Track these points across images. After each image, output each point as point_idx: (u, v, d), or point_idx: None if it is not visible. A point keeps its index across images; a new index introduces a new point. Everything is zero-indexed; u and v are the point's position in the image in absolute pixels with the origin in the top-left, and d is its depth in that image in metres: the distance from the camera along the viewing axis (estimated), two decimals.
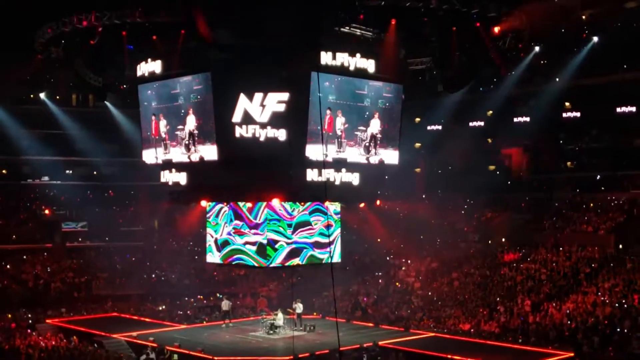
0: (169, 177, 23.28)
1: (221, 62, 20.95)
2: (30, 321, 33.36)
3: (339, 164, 22.34)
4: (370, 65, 22.02)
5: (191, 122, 21.84)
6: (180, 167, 22.73)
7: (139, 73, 22.99)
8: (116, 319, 35.16)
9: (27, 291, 38.20)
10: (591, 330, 27.37)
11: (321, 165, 21.31)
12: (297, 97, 20.42)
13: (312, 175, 21.94)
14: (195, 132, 21.72)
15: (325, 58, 20.69)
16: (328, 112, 20.57)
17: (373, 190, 24.99)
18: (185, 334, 30.68)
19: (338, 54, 21.00)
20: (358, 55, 21.61)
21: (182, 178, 22.80)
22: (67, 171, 47.45)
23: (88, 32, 24.15)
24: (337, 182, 22.75)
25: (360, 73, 21.99)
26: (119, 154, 46.29)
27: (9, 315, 33.77)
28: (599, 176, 41.91)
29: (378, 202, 26.26)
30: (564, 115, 42.95)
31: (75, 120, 45.92)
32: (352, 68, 21.51)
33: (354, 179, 23.17)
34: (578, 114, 42.26)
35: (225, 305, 32.83)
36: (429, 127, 47.18)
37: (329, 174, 22.37)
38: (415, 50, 25.19)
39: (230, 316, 32.80)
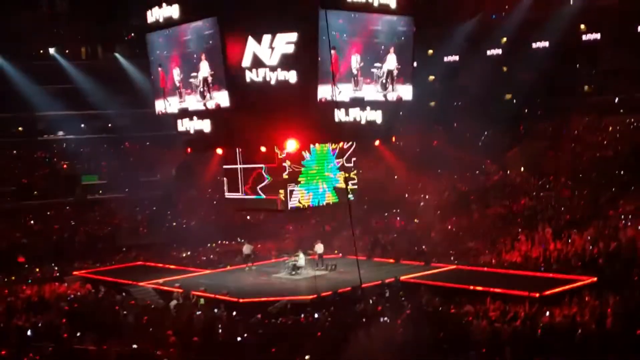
0: (189, 124, 22.88)
1: (228, 4, 20.58)
2: (57, 274, 34.00)
3: (360, 103, 22.14)
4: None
5: (204, 68, 21.55)
6: (201, 114, 22.36)
7: (150, 19, 22.32)
8: (141, 267, 35.73)
9: (52, 245, 38.80)
10: (613, 255, 27.39)
11: (346, 104, 21.36)
12: (306, 36, 20.08)
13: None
14: (210, 78, 21.46)
15: None
16: (333, 52, 20.12)
17: (389, 127, 24.76)
18: (210, 278, 31.16)
19: None
20: None
21: (205, 125, 22.43)
22: (82, 125, 47.46)
23: None
24: (363, 122, 22.72)
25: (371, 8, 21.53)
26: (132, 104, 46.20)
27: (37, 269, 34.43)
28: (617, 98, 41.25)
29: (393, 139, 26.03)
30: (580, 38, 42.05)
31: (86, 74, 45.74)
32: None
33: (377, 117, 23.11)
34: (593, 36, 41.35)
35: (247, 249, 33.15)
36: (442, 59, 46.45)
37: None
38: None
39: (252, 259, 33.15)
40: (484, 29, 41.72)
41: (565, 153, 39.64)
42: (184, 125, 22.93)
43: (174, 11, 21.68)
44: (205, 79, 21.61)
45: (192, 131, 22.65)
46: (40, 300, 26.55)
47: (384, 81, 22.53)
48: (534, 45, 43.38)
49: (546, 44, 42.55)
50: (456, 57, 45.90)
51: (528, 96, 45.88)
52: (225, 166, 26.18)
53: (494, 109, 44.18)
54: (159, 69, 23.50)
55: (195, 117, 22.40)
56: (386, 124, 23.88)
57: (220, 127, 22.19)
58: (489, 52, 44.56)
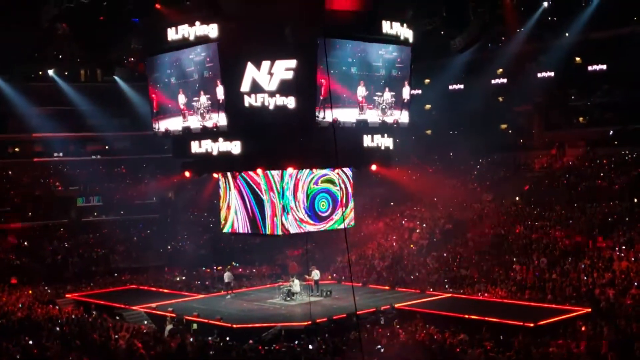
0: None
1: (227, 31, 20.76)
2: (50, 296, 33.78)
3: (364, 124, 22.48)
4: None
5: (204, 91, 21.70)
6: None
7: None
8: (135, 291, 35.54)
9: (45, 267, 38.63)
10: (608, 285, 27.41)
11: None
12: (305, 63, 20.27)
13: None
14: (207, 102, 21.59)
15: None
16: (324, 80, 20.38)
17: (387, 153, 24.90)
18: (204, 303, 31.01)
19: None
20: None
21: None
22: (79, 147, 47.48)
23: (93, 6, 23.95)
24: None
25: (370, 37, 21.81)
26: (130, 127, 46.31)
27: (30, 292, 34.22)
28: (611, 131, 41.58)
29: (374, 167, 26.30)
30: (575, 70, 42.48)
31: (85, 96, 45.86)
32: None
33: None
34: (588, 69, 41.73)
35: (227, 277, 33.10)
36: (438, 88, 46.80)
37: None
38: (422, 10, 24.88)
39: (232, 287, 33.05)
40: (481, 60, 42.10)
41: (560, 183, 39.82)
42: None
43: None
44: (205, 101, 21.69)
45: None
46: (31, 322, 26.31)
47: (383, 107, 22.83)
48: (530, 76, 43.73)
49: (542, 75, 42.88)
50: (453, 87, 46.23)
51: (523, 126, 46.23)
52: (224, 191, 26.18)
53: (490, 138, 44.43)
54: (159, 90, 23.59)
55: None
56: (384, 150, 24.03)
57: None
58: (484, 82, 44.82)
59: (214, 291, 34.40)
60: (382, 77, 22.75)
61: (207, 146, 22.11)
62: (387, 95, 22.78)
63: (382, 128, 23.28)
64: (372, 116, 22.88)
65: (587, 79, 42.02)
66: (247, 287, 35.24)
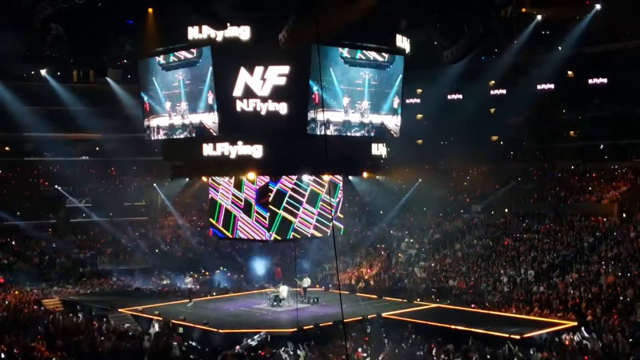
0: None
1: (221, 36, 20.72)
2: (36, 296, 33.56)
3: (348, 124, 22.43)
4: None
5: (195, 94, 21.71)
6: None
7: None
8: (121, 293, 35.40)
9: (32, 267, 38.41)
10: (595, 299, 27.50)
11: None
12: (298, 70, 20.28)
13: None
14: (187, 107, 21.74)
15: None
16: (315, 90, 20.39)
17: (377, 161, 24.93)
18: (190, 307, 30.90)
19: None
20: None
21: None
22: (69, 147, 47.25)
23: (87, 7, 23.83)
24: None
25: (363, 45, 21.83)
26: (120, 129, 46.13)
27: (16, 291, 34.00)
28: (602, 145, 41.82)
29: (365, 175, 26.28)
30: (566, 84, 42.73)
31: (76, 97, 45.68)
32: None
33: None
34: (580, 83, 42.00)
35: (189, 283, 33.02)
36: (431, 98, 46.90)
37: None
38: (415, 21, 24.92)
39: (194, 293, 33.00)
40: (473, 71, 42.23)
41: (549, 196, 39.99)
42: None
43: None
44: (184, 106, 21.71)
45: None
46: (17, 321, 26.14)
47: (362, 112, 22.84)
48: (521, 88, 43.95)
49: (534, 88, 43.10)
50: (452, 97, 46.29)
51: (514, 139, 46.41)
52: (211, 196, 26.05)
53: (480, 150, 44.59)
54: (150, 93, 23.52)
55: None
56: (376, 158, 24.06)
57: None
58: (481, 93, 44.91)
59: (201, 295, 34.30)
60: (361, 91, 22.82)
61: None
62: (365, 104, 22.80)
63: (376, 136, 23.24)
64: (355, 117, 22.82)
65: (586, 92, 42.25)
66: (234, 292, 35.16)
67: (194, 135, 22.11)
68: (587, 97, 42.68)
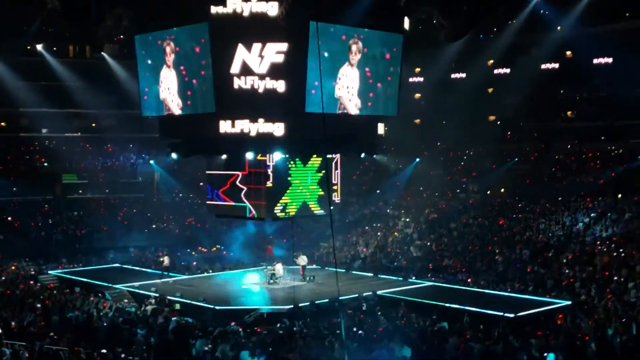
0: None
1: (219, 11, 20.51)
2: (32, 272, 33.66)
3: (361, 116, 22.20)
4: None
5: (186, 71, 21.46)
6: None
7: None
8: (118, 269, 35.50)
9: (28, 243, 38.43)
10: (589, 279, 27.68)
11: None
12: (296, 47, 20.12)
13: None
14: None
15: None
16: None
17: (372, 140, 24.84)
18: (188, 284, 31.03)
19: None
20: None
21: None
22: (65, 123, 47.03)
23: None
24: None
25: (362, 23, 21.59)
26: (117, 105, 45.96)
27: (13, 267, 34.06)
28: (598, 126, 41.81)
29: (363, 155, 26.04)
30: (564, 64, 42.60)
31: (73, 72, 45.44)
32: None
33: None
34: (579, 63, 41.86)
35: (166, 260, 33.02)
36: (429, 78, 46.78)
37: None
38: None
39: (169, 271, 32.96)
40: (471, 50, 42.06)
41: (545, 177, 40.08)
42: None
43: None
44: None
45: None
46: (13, 298, 26.23)
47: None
48: (524, 68, 43.83)
49: (537, 67, 42.95)
50: (443, 77, 46.10)
51: (511, 119, 46.36)
52: (208, 172, 25.94)
53: (478, 130, 44.56)
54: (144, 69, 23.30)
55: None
56: (367, 137, 23.93)
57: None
58: (478, 73, 44.75)
59: (198, 272, 34.47)
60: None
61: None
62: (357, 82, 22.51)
63: (373, 116, 23.07)
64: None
65: (576, 73, 42.15)
66: (231, 269, 35.31)
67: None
68: (592, 77, 42.46)
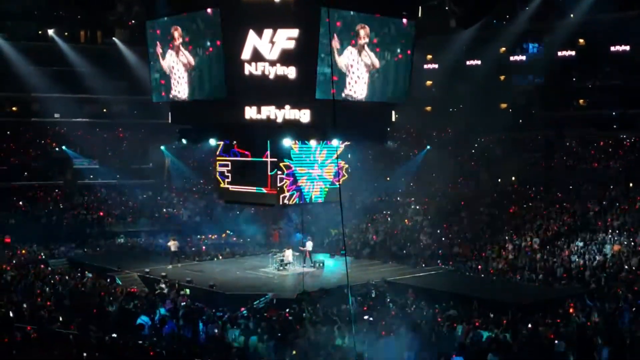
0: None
1: None
2: (43, 256, 33.90)
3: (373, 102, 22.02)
4: None
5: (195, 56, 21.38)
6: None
7: None
8: (128, 254, 35.67)
9: (40, 227, 38.67)
10: (599, 268, 27.59)
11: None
12: (307, 33, 20.04)
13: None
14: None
15: None
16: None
17: (383, 128, 24.75)
18: (197, 269, 31.16)
19: None
20: None
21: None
22: (77, 109, 47.16)
23: None
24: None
25: (373, 9, 21.44)
26: (128, 91, 46.01)
27: (24, 251, 34.32)
28: (611, 114, 41.46)
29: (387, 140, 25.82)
30: (579, 52, 42.21)
31: (84, 57, 45.48)
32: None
33: (392, 116, 23.26)
34: (594, 51, 41.43)
35: (173, 246, 33.04)
36: (440, 65, 46.51)
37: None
38: None
39: (179, 257, 32.99)
40: (484, 36, 41.75)
41: (557, 165, 39.88)
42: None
43: None
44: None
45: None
46: (24, 281, 26.42)
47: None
48: (532, 56, 43.48)
49: (553, 55, 42.55)
50: (455, 64, 45.76)
51: (524, 107, 46.04)
52: (219, 158, 25.92)
53: (489, 117, 44.31)
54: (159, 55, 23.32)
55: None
56: (377, 124, 23.84)
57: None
58: (492, 60, 44.41)
59: (208, 258, 34.61)
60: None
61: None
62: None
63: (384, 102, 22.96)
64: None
65: (588, 61, 41.78)
66: (240, 255, 35.43)
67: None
68: (597, 65, 42.13)
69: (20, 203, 41.26)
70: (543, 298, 24.75)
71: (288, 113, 20.87)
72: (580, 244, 30.44)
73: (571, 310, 22.20)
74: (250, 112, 20.95)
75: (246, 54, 20.40)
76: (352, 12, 20.56)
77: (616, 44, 39.94)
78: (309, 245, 31.65)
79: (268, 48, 20.27)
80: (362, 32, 21.06)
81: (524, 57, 43.94)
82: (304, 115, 20.86)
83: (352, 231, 37.98)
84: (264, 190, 23.66)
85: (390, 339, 17.23)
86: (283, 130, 21.85)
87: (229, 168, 24.70)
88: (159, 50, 22.70)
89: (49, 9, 42.29)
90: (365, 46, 21.42)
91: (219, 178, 24.87)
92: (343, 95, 21.11)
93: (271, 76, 20.32)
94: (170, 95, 22.67)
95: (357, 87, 21.49)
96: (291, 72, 20.30)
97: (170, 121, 24.33)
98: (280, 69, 20.32)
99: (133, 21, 41.50)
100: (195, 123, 23.46)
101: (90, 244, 37.81)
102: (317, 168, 24.82)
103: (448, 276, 29.72)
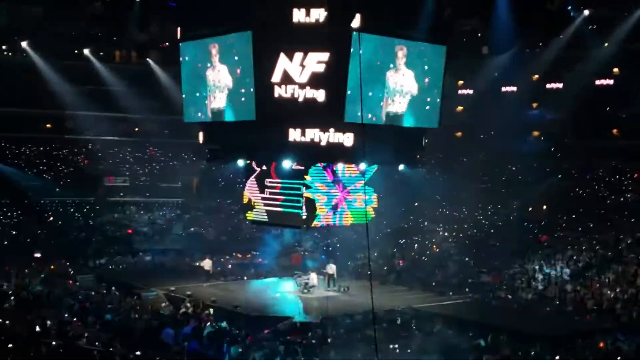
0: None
1: (262, 20, 20.63)
2: (71, 272, 34.19)
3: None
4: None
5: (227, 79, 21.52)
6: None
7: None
8: (154, 272, 35.82)
9: (68, 242, 39.08)
10: (631, 301, 27.00)
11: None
12: (337, 57, 20.08)
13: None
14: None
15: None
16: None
17: (411, 152, 24.62)
18: (222, 289, 31.14)
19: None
20: None
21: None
22: (109, 127, 47.82)
23: None
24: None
25: (405, 34, 21.44)
26: (160, 111, 46.52)
27: (52, 267, 34.64)
28: None
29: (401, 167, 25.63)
30: (611, 81, 41.71)
31: (118, 77, 46.17)
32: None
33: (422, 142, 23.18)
34: (625, 80, 40.92)
35: (207, 264, 33.10)
36: (471, 90, 46.29)
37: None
38: (460, 10, 24.51)
39: (212, 275, 33.19)
40: (516, 64, 41.51)
41: (589, 195, 39.29)
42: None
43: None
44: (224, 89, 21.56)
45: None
46: (52, 296, 26.66)
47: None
48: (564, 84, 43.06)
49: (577, 83, 42.12)
50: (484, 90, 45.50)
51: (555, 135, 45.51)
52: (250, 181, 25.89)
53: (521, 144, 43.87)
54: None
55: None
56: (406, 148, 23.73)
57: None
58: (511, 88, 44.15)
59: (233, 278, 34.59)
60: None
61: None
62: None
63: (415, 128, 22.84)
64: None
65: (623, 90, 41.25)
66: (265, 276, 35.36)
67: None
68: (631, 95, 41.52)
69: (51, 219, 41.77)
70: (573, 330, 24.22)
71: (332, 136, 20.91)
72: (612, 276, 29.84)
73: (601, 344, 21.71)
74: (294, 135, 20.98)
75: (276, 77, 20.49)
76: (383, 37, 20.57)
77: None
78: (331, 269, 31.46)
79: (298, 71, 20.32)
80: (400, 53, 21.07)
81: (560, 85, 43.45)
82: (347, 139, 20.91)
83: (379, 256, 37.69)
84: (299, 211, 23.57)
85: None
86: (327, 154, 21.78)
87: (260, 192, 24.71)
88: (193, 71, 22.93)
89: (85, 29, 43.04)
90: (403, 67, 21.41)
91: (246, 198, 24.91)
92: (383, 118, 21.08)
93: (300, 99, 20.36)
94: (202, 116, 22.84)
95: (396, 109, 21.49)
96: (320, 95, 20.32)
97: (201, 141, 24.43)
98: (310, 92, 20.35)
99: (166, 43, 42.16)
100: (226, 144, 23.54)
101: (118, 260, 38.05)
102: (345, 191, 24.74)
103: (475, 305, 29.28)
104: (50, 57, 44.02)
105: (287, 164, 22.59)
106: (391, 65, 20.91)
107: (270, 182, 24.46)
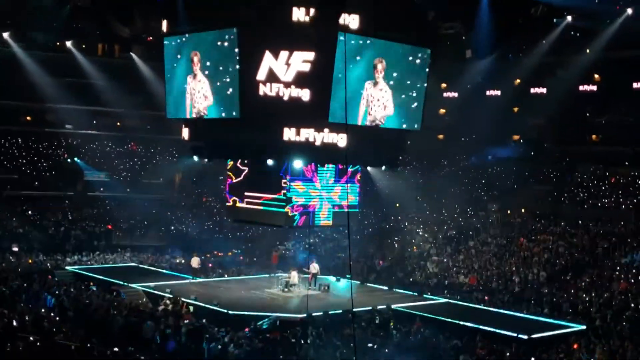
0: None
1: (248, 18, 20.65)
2: (49, 266, 33.94)
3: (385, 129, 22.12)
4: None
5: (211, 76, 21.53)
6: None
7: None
8: (134, 269, 35.69)
9: (47, 237, 38.79)
10: (605, 305, 27.36)
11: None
12: (323, 57, 20.16)
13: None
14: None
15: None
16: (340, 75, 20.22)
17: (394, 154, 24.78)
18: (202, 287, 31.11)
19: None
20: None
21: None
22: (90, 121, 47.41)
23: None
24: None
25: (390, 36, 21.58)
26: (142, 106, 46.23)
27: (30, 261, 34.37)
28: (623, 151, 41.33)
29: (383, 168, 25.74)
30: (592, 87, 42.16)
31: (100, 71, 45.75)
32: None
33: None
34: (606, 87, 41.42)
35: (195, 262, 33.17)
36: (453, 94, 46.59)
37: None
38: (445, 14, 24.69)
39: (199, 274, 33.26)
40: (499, 68, 41.84)
41: (567, 199, 39.73)
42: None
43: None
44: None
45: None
46: (30, 291, 26.44)
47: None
48: (546, 90, 43.44)
49: (558, 89, 42.52)
50: (467, 93, 45.80)
51: (535, 139, 45.92)
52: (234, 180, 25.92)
53: (501, 148, 44.24)
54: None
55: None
56: (388, 150, 23.90)
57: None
58: (497, 92, 44.53)
59: (214, 276, 34.56)
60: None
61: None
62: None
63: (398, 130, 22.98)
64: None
65: (603, 97, 41.75)
66: (245, 275, 35.36)
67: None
68: (612, 102, 42.07)
69: (30, 212, 41.40)
70: (547, 333, 24.51)
71: (327, 137, 21.02)
72: (588, 280, 30.23)
73: (575, 346, 22.00)
74: (289, 134, 21.05)
75: (261, 75, 20.53)
76: (368, 41, 20.69)
77: (635, 81, 39.85)
78: (314, 268, 31.56)
79: (284, 69, 20.40)
80: (379, 66, 21.20)
81: (544, 90, 43.81)
82: (340, 140, 21.05)
83: (359, 255, 37.88)
84: (277, 196, 23.67)
85: None
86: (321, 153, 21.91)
87: (241, 178, 24.74)
88: (176, 68, 22.87)
89: (68, 21, 42.61)
90: (382, 78, 21.57)
91: (229, 198, 24.98)
92: (367, 122, 21.23)
93: (285, 97, 20.43)
94: (188, 113, 22.82)
95: (377, 114, 21.65)
96: (305, 94, 20.40)
97: (186, 138, 24.37)
98: (295, 91, 20.43)
99: (150, 37, 41.94)
100: (209, 140, 23.53)
101: (97, 256, 37.82)
102: (326, 191, 24.88)
103: (453, 306, 29.51)
104: (32, 49, 43.49)
105: (270, 162, 22.71)
106: (370, 79, 21.11)
107: (252, 180, 24.57)
